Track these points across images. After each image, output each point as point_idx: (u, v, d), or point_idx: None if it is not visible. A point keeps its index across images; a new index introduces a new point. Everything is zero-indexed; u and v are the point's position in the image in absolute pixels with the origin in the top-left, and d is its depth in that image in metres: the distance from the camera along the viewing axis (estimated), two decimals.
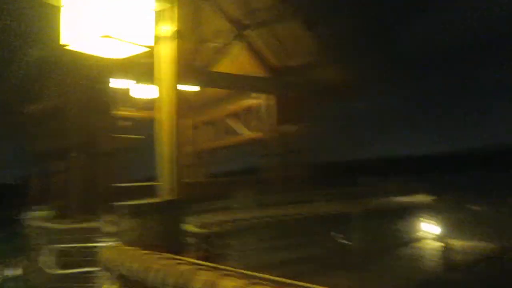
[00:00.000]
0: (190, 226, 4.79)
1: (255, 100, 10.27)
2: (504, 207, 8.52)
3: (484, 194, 9.22)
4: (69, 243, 5.52)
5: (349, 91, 9.84)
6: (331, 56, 9.38)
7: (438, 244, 7.11)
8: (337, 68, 9.47)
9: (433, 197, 8.91)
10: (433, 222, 7.95)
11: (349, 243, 6.39)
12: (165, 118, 3.50)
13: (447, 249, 6.85)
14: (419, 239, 8.14)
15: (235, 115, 10.87)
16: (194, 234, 4.75)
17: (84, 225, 5.62)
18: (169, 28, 3.55)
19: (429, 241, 7.85)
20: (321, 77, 9.47)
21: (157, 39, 3.43)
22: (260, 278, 1.86)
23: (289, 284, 1.58)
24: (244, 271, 2.12)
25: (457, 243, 7.59)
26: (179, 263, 2.21)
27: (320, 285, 1.84)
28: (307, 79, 9.56)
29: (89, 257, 5.11)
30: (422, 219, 8.26)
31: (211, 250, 4.65)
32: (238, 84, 9.63)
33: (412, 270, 6.70)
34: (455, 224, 7.84)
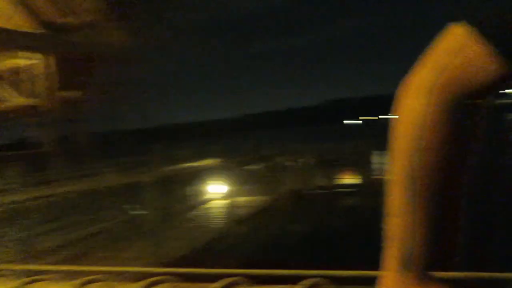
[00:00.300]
0: None
1: (27, 60, 8.75)
2: (277, 166, 9.88)
3: (264, 156, 10.43)
4: None
5: (133, 55, 9.42)
6: (116, 16, 8.75)
7: (225, 202, 7.71)
8: (122, 30, 8.90)
9: (219, 161, 9.57)
10: (220, 183, 8.57)
11: (142, 213, 6.28)
12: None
13: (232, 206, 7.50)
14: (209, 200, 8.67)
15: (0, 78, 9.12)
16: None
17: None
18: None
19: (217, 201, 8.44)
20: (105, 38, 8.77)
21: None
22: (42, 272, 1.53)
23: (77, 271, 1.35)
24: (22, 266, 1.74)
25: (240, 199, 8.41)
26: None
27: (109, 261, 1.66)
28: (90, 39, 8.71)
29: None
30: (210, 181, 8.79)
31: None
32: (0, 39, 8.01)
33: (201, 229, 7.11)
34: (238, 183, 8.66)
